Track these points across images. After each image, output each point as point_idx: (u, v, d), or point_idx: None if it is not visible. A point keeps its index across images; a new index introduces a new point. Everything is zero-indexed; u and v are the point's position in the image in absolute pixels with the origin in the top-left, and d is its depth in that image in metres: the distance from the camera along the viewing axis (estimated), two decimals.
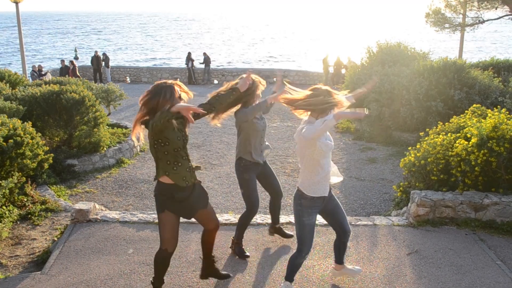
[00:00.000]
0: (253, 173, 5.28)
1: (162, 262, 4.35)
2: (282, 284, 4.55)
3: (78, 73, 22.76)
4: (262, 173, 5.44)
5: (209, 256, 4.68)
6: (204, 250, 4.66)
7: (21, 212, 6.83)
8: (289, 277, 4.50)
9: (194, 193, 4.20)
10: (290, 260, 4.47)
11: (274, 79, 26.22)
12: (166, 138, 3.95)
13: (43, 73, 21.67)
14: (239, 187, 5.45)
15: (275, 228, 5.84)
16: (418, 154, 7.21)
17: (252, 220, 6.24)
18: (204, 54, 26.42)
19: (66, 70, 22.61)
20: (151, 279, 4.52)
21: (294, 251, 4.44)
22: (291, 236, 5.77)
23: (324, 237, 5.84)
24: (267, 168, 5.48)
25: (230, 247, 5.50)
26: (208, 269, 4.72)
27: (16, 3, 18.62)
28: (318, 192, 4.22)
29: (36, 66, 22.18)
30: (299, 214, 4.27)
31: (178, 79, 25.55)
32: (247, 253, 5.41)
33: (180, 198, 4.11)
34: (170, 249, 4.26)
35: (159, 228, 4.24)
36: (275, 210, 5.74)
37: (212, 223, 4.46)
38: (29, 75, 20.68)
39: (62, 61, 23.95)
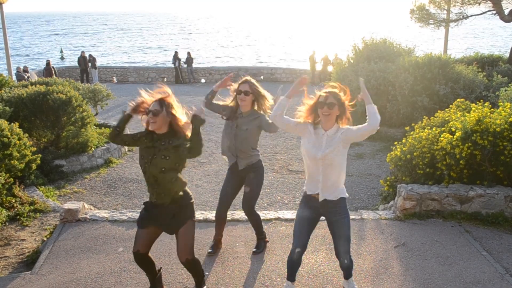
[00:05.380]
0: (229, 169, 5.35)
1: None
2: (285, 284, 4.50)
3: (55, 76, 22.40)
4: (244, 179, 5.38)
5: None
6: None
7: (9, 213, 6.81)
8: (289, 276, 4.39)
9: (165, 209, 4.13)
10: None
11: (261, 77, 26.38)
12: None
13: (28, 74, 21.50)
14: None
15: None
16: (404, 149, 7.30)
17: (241, 217, 6.31)
18: (188, 54, 26.41)
19: (50, 71, 22.42)
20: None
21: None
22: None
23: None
24: (246, 178, 5.29)
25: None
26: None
27: (0, 4, 18.44)
28: (307, 189, 4.23)
29: (21, 67, 22.00)
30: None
31: (165, 78, 25.55)
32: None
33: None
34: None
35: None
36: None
37: (182, 255, 4.14)
38: (15, 76, 20.50)
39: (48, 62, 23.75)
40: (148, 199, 4.20)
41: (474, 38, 70.79)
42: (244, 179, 5.28)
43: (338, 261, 4.43)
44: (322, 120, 4.05)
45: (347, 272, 4.41)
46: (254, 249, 5.47)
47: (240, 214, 6.45)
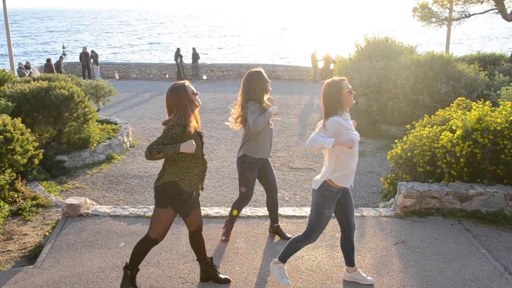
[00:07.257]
0: (255, 171, 5.42)
1: (145, 250, 4.44)
2: (273, 265, 4.60)
3: (55, 71, 22.32)
4: (262, 168, 5.49)
5: (204, 259, 4.65)
6: (197, 254, 4.62)
7: (12, 208, 6.85)
8: (284, 259, 4.56)
9: (196, 195, 4.43)
10: (292, 242, 4.51)
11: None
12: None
13: (30, 70, 21.53)
14: (237, 182, 5.54)
15: (274, 227, 5.76)
16: (404, 147, 7.32)
17: (242, 213, 6.34)
18: (193, 49, 26.44)
19: (51, 68, 22.46)
20: (125, 265, 4.52)
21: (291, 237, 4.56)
22: (289, 238, 5.47)
23: None
24: (266, 163, 5.52)
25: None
26: (207, 272, 4.70)
27: None
28: (345, 182, 4.30)
29: (23, 63, 22.02)
30: (322, 205, 4.32)
31: (167, 74, 25.57)
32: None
33: (185, 197, 4.26)
34: (160, 240, 4.41)
35: (154, 219, 4.34)
36: (273, 207, 5.68)
37: (196, 223, 4.46)
38: (17, 72, 20.54)
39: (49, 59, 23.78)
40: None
41: (491, 41, 69.96)
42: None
43: (337, 257, 4.47)
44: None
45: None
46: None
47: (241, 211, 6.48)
